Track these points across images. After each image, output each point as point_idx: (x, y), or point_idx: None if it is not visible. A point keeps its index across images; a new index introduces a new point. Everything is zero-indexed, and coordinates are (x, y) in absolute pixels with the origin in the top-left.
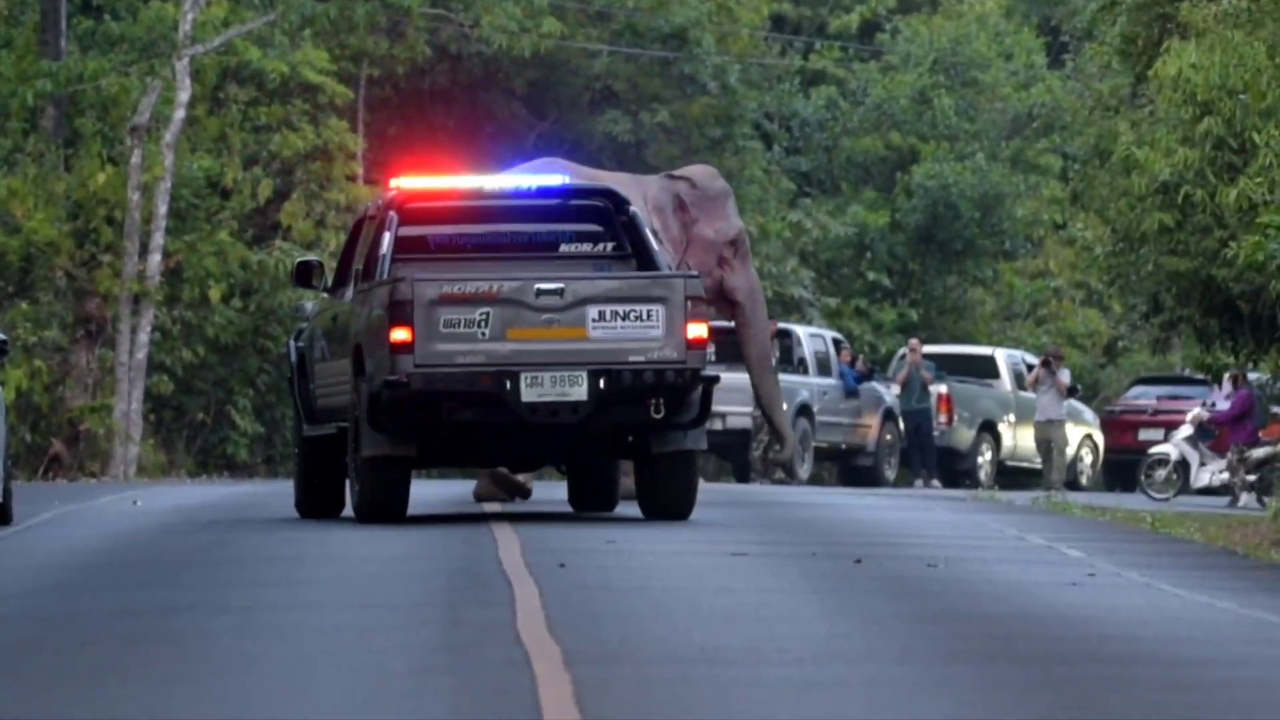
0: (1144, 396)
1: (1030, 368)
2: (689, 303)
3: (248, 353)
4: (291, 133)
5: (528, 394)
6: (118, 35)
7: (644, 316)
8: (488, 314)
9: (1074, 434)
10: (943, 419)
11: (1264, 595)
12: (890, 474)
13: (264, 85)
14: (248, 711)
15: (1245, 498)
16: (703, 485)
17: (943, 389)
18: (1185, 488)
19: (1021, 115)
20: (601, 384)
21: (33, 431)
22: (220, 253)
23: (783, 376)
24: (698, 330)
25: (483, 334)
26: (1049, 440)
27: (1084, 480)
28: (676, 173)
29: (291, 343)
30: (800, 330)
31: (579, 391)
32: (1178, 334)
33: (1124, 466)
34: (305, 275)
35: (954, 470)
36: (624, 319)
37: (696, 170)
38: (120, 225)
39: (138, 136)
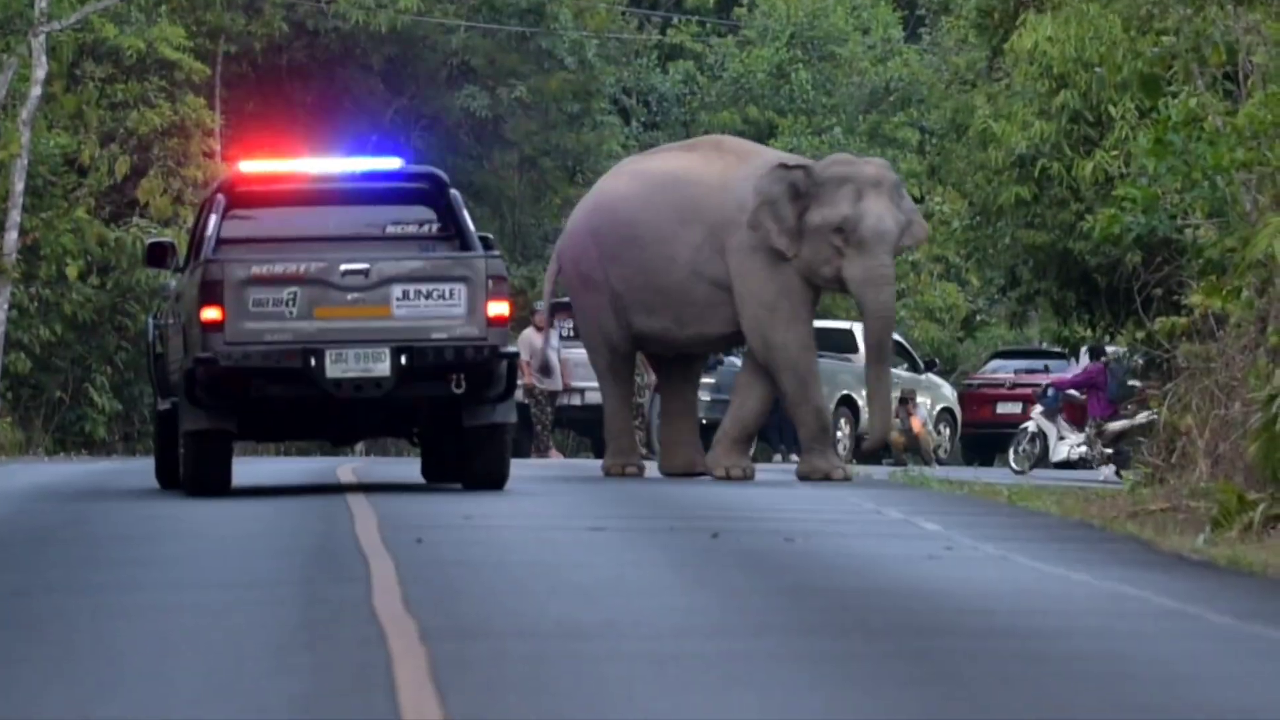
0: (1001, 370)
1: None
2: (490, 281)
3: (105, 330)
4: (148, 109)
5: (332, 370)
6: None
7: (446, 295)
8: (295, 293)
9: (932, 408)
10: None
11: (1119, 568)
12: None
13: (120, 62)
14: (105, 694)
15: (1105, 471)
16: (562, 461)
17: None
18: (1044, 461)
19: (879, 89)
20: (404, 360)
21: None
22: (77, 230)
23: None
24: (499, 308)
25: (290, 313)
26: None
27: (942, 454)
28: (792, 161)
29: (150, 320)
30: None
31: (382, 368)
32: (1035, 307)
33: (982, 440)
34: (158, 256)
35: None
36: (427, 298)
37: (831, 158)
38: None
39: None
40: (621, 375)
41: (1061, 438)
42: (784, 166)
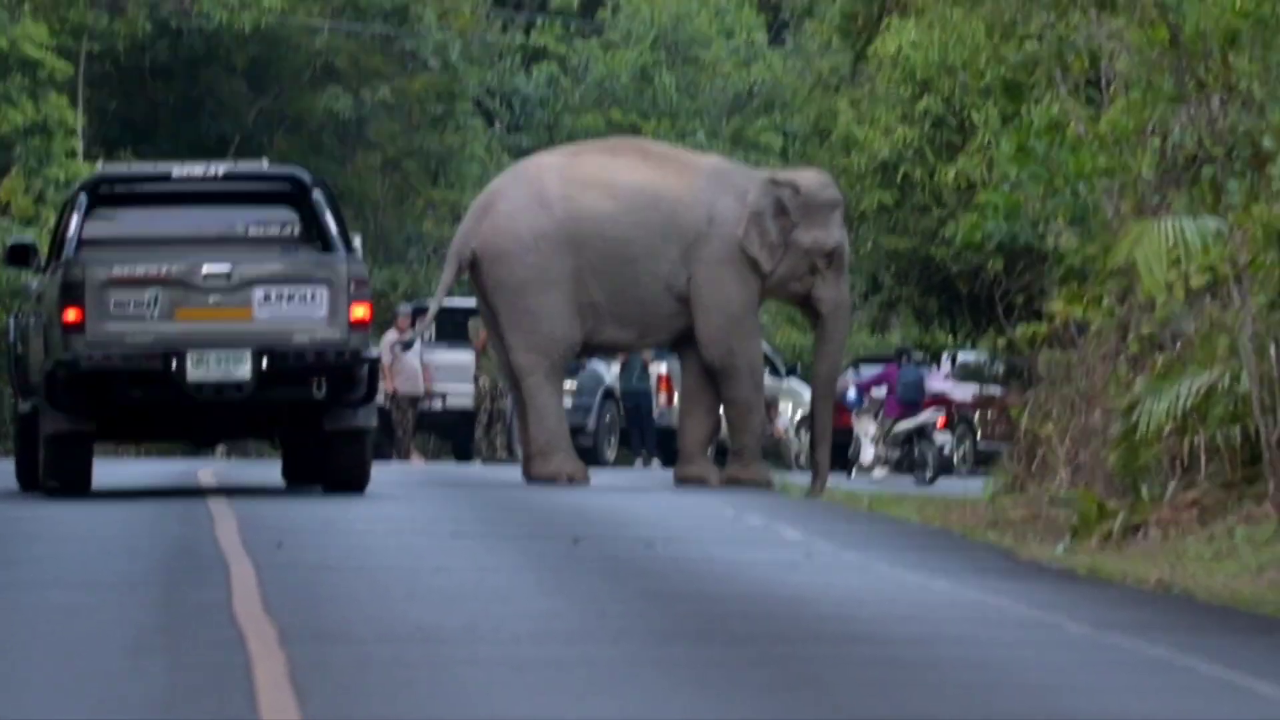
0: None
1: None
2: (352, 284)
3: None
4: (10, 108)
5: (193, 373)
6: None
7: (308, 298)
8: (157, 295)
9: (793, 414)
10: (663, 399)
11: (979, 575)
12: (610, 454)
13: None
14: None
15: (880, 471)
16: (422, 465)
17: (663, 369)
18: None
19: (742, 93)
20: (265, 363)
21: None
22: None
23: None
24: (360, 312)
25: (152, 314)
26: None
27: (803, 460)
28: (781, 176)
29: (11, 320)
30: None
31: (243, 371)
32: (897, 313)
33: (843, 446)
34: (19, 256)
35: (674, 451)
36: (289, 300)
37: (806, 176)
38: None
39: None
40: (559, 379)
41: (874, 440)
42: (773, 182)
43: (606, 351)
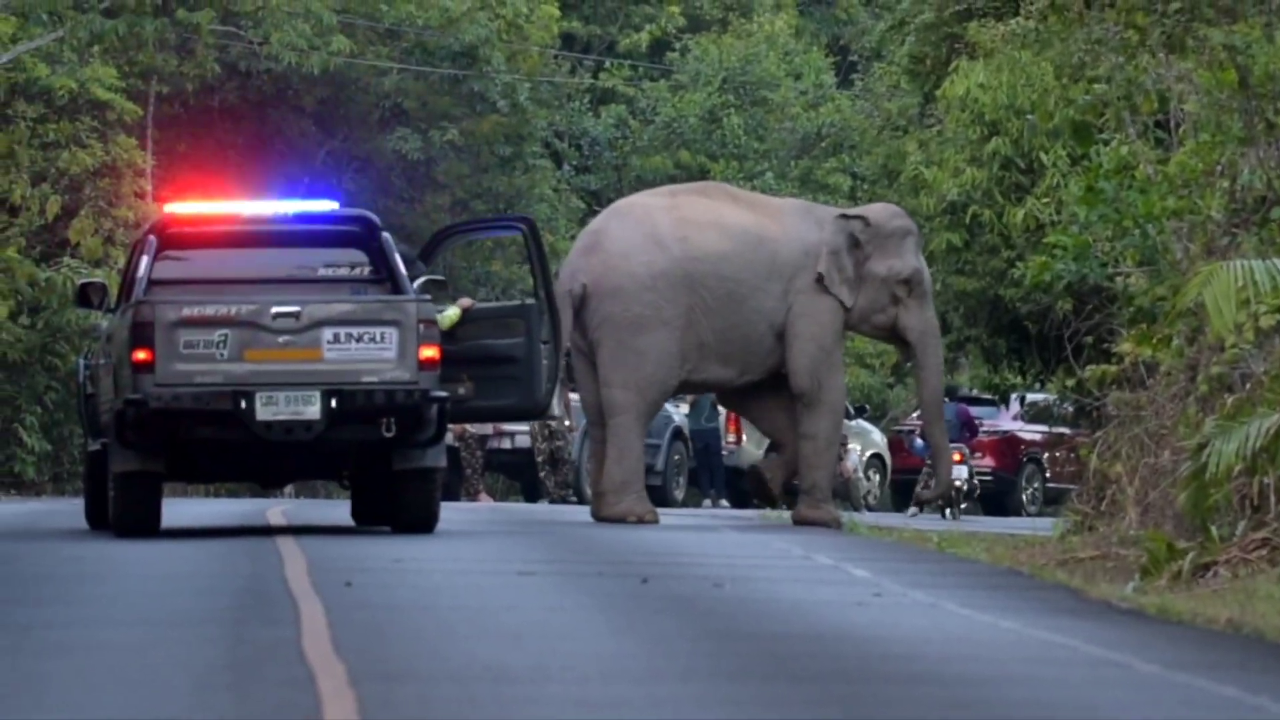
0: None
1: None
2: (421, 325)
3: (35, 370)
4: (80, 149)
5: (263, 413)
6: None
7: (377, 339)
8: (226, 335)
9: (861, 454)
10: (731, 438)
11: (1048, 616)
12: (679, 494)
13: (52, 102)
14: None
15: (912, 509)
16: (491, 504)
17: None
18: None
19: (810, 135)
20: (334, 403)
21: None
22: (8, 269)
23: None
24: (429, 352)
25: (221, 354)
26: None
27: (871, 500)
28: (851, 212)
29: (81, 360)
30: None
31: (312, 410)
32: (965, 354)
33: (911, 486)
34: (88, 296)
35: (743, 490)
36: (358, 341)
37: (875, 209)
38: None
39: None
40: (647, 421)
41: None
42: (844, 217)
43: (702, 390)
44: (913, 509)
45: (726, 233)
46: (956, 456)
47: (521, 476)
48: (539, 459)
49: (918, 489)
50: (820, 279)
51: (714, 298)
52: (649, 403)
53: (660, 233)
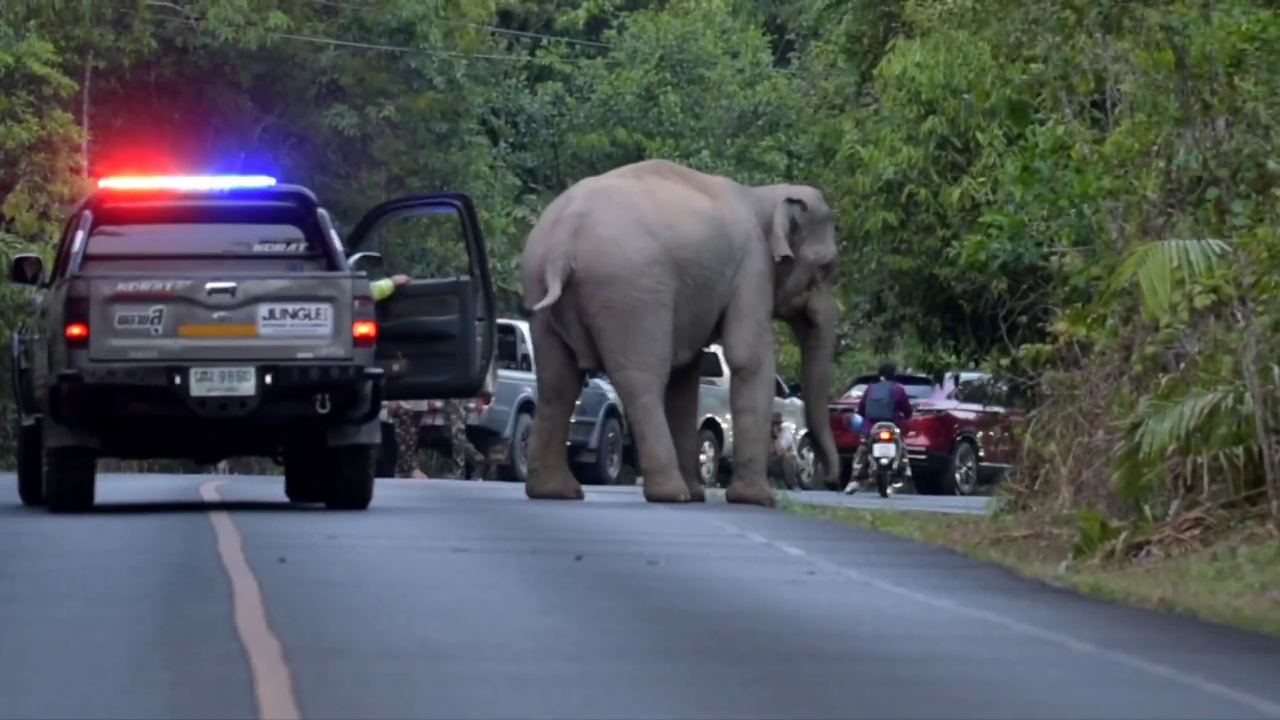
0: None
1: None
2: (357, 302)
3: None
4: (15, 124)
5: (197, 388)
6: None
7: (312, 315)
8: (161, 311)
9: (796, 433)
10: None
11: (982, 594)
12: (613, 471)
13: None
14: None
15: (852, 485)
16: (425, 481)
17: None
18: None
19: (747, 113)
20: (269, 379)
21: None
22: None
23: (507, 373)
24: (364, 329)
25: (156, 330)
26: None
27: (805, 478)
28: (793, 195)
29: (15, 335)
30: (523, 327)
31: (247, 386)
32: (900, 333)
33: (845, 464)
34: (23, 271)
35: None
36: (293, 317)
37: (807, 192)
38: None
39: None
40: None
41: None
42: (789, 201)
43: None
44: (852, 484)
45: (700, 219)
46: (885, 435)
47: (454, 453)
48: (456, 431)
49: (855, 466)
50: (786, 260)
51: (694, 284)
52: (662, 381)
53: (647, 219)
